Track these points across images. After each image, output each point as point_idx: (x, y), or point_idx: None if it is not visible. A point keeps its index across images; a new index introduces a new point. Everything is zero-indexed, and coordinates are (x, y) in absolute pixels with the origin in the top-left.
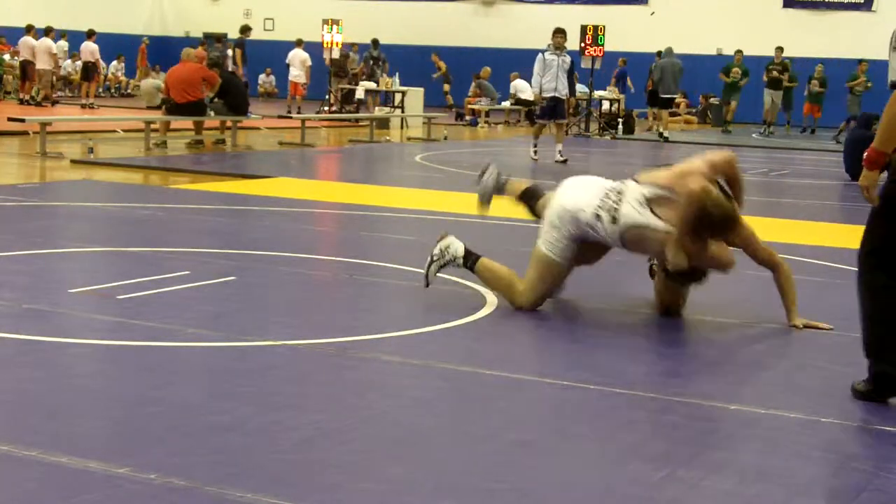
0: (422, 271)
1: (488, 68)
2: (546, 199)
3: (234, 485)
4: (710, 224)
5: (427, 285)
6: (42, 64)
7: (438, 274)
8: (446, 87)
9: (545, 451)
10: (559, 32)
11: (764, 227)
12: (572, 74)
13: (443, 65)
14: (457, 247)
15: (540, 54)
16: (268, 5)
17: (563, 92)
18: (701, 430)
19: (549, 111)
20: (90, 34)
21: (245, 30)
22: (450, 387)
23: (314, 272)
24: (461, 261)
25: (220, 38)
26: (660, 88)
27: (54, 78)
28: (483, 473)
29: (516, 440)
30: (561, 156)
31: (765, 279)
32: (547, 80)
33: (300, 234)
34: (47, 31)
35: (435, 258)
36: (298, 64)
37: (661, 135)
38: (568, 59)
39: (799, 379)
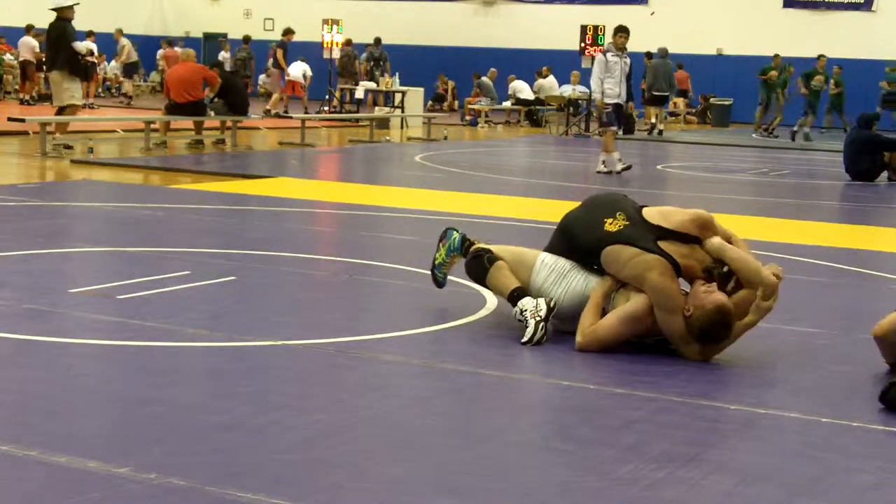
0: (422, 271)
1: (495, 70)
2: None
3: (234, 485)
4: (718, 337)
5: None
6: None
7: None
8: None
9: (545, 451)
10: (622, 31)
11: (764, 228)
12: (630, 78)
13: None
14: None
15: (600, 55)
16: (268, 5)
17: (624, 97)
18: (701, 430)
19: (616, 117)
20: (89, 34)
21: (287, 32)
22: (450, 387)
23: (314, 272)
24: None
25: (247, 40)
26: (653, 88)
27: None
28: (483, 473)
29: (516, 440)
30: (605, 166)
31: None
32: (611, 85)
33: (300, 234)
34: (28, 30)
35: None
36: (300, 73)
37: (653, 129)
38: (629, 60)
39: (799, 379)
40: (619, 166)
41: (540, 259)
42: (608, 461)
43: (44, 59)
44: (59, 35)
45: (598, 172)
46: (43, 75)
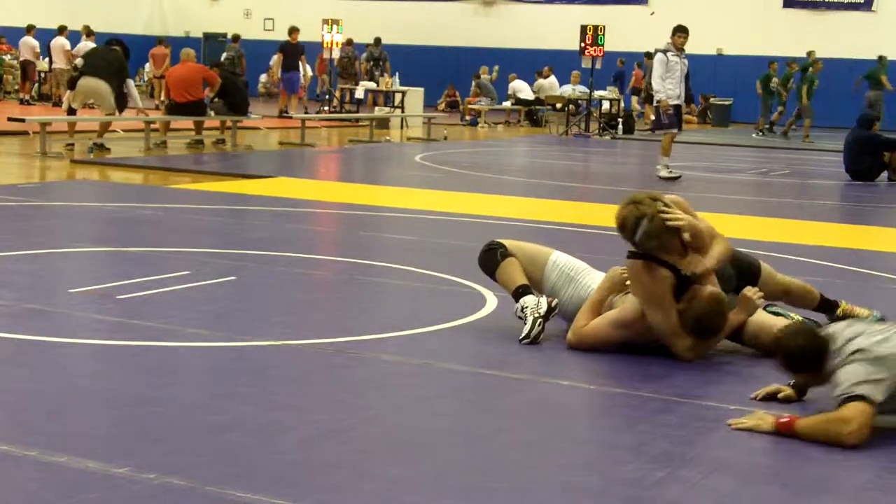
0: (422, 271)
1: (486, 67)
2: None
3: (234, 485)
4: (713, 327)
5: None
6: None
7: (438, 274)
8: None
9: (545, 451)
10: (682, 31)
11: (764, 227)
12: (689, 79)
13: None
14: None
15: (661, 55)
16: (268, 5)
17: (683, 98)
18: (701, 430)
19: (677, 119)
20: (89, 34)
21: (291, 31)
22: (450, 387)
23: (314, 272)
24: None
25: (236, 38)
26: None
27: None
28: (483, 473)
29: (516, 440)
30: (670, 172)
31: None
32: (671, 86)
33: (300, 234)
34: (28, 30)
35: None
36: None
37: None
38: (687, 61)
39: None
40: (664, 172)
41: (552, 259)
42: (608, 461)
43: (83, 64)
44: (122, 66)
45: (661, 178)
46: (75, 73)
